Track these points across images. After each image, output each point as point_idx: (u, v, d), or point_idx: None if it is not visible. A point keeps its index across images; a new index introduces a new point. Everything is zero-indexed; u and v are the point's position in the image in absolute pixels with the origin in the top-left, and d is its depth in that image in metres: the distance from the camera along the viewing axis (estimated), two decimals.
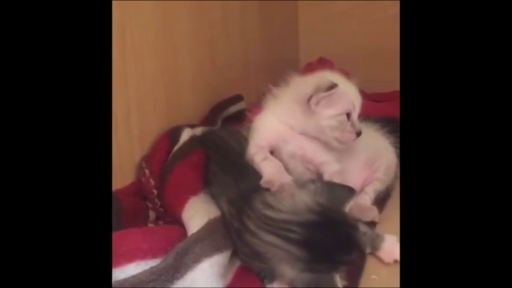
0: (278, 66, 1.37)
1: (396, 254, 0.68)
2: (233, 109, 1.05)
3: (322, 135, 0.75)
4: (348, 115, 0.75)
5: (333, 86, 0.72)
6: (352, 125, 0.75)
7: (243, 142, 0.78)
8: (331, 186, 0.66)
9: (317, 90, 0.72)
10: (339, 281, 0.60)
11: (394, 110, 1.11)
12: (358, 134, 0.75)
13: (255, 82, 1.24)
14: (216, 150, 0.80)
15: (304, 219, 0.58)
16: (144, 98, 0.83)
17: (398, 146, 0.84)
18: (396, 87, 1.33)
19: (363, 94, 0.86)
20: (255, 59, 1.24)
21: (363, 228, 0.70)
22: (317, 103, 0.73)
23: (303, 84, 0.75)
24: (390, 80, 1.30)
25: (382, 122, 0.89)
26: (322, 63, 1.47)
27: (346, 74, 1.35)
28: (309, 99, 0.73)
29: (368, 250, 0.70)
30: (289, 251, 0.57)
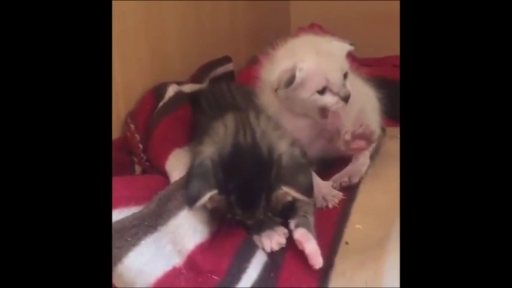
0: (268, 31, 1.35)
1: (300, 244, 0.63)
2: (221, 70, 1.04)
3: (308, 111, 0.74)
4: (322, 91, 0.72)
5: (291, 81, 0.69)
6: (334, 94, 0.72)
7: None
8: (301, 163, 0.65)
9: (279, 84, 0.71)
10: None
11: (383, 72, 1.11)
12: (345, 99, 0.72)
13: (244, 46, 1.23)
14: (214, 106, 0.80)
15: (252, 142, 0.63)
16: (128, 55, 0.81)
17: (383, 100, 0.85)
18: (388, 52, 1.32)
19: (353, 59, 0.85)
20: (243, 22, 1.22)
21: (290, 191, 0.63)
22: (285, 94, 0.72)
23: (269, 74, 0.74)
24: (382, 45, 1.28)
25: (369, 78, 0.88)
26: (313, 29, 1.45)
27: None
28: (276, 91, 0.73)
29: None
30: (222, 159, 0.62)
